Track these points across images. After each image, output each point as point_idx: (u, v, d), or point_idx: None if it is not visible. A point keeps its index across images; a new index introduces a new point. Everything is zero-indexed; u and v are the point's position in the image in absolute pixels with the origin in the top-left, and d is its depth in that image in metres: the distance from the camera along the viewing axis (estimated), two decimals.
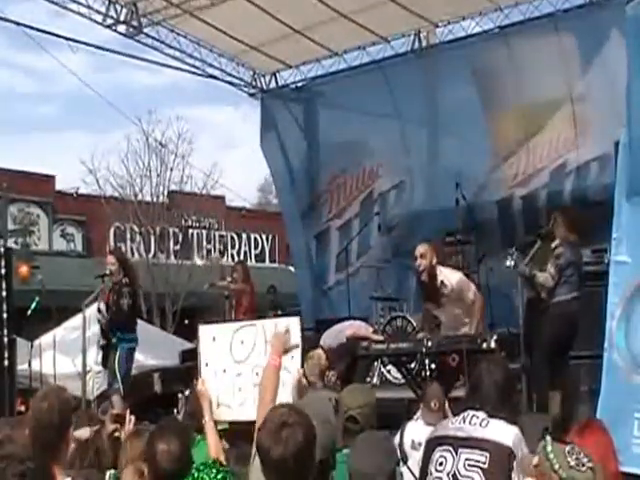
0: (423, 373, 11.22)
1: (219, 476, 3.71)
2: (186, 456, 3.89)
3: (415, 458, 5.51)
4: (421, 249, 8.79)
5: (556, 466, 3.18)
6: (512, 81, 13.77)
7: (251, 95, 16.63)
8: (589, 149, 13.12)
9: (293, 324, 4.90)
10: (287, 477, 3.27)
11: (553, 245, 8.98)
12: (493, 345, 7.89)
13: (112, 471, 4.53)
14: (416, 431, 6.20)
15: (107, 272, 10.36)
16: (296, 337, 4.83)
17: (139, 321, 12.19)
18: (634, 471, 5.40)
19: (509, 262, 9.06)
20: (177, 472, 3.81)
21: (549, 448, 3.26)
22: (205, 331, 5.57)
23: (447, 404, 6.34)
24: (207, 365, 5.17)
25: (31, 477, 3.22)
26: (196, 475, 3.72)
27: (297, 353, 4.92)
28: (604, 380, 6.43)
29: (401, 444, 6.21)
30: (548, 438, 3.36)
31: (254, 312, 12.74)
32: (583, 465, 3.22)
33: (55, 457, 3.96)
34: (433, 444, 4.53)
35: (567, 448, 3.26)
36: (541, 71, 13.30)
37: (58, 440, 4.02)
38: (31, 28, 14.14)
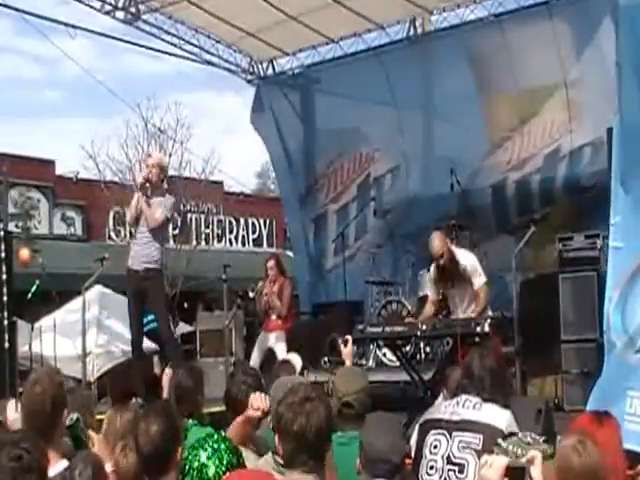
0: (418, 356, 11.47)
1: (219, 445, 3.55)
2: (172, 437, 3.83)
3: None
4: (436, 247, 8.71)
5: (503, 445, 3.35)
6: (507, 67, 13.80)
7: (249, 82, 16.66)
8: (582, 134, 13.14)
9: None
10: (305, 449, 3.37)
11: None
12: (487, 329, 7.99)
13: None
14: None
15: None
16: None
17: None
18: (625, 446, 5.58)
19: None
20: (162, 453, 3.77)
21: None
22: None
23: None
24: None
25: (28, 460, 3.25)
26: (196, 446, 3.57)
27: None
28: (605, 360, 6.60)
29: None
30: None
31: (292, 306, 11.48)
32: (528, 444, 3.35)
33: (49, 441, 3.94)
34: (427, 427, 4.62)
35: (520, 434, 3.43)
36: (535, 57, 13.34)
37: (52, 424, 4.02)
38: (31, 14, 14.19)
